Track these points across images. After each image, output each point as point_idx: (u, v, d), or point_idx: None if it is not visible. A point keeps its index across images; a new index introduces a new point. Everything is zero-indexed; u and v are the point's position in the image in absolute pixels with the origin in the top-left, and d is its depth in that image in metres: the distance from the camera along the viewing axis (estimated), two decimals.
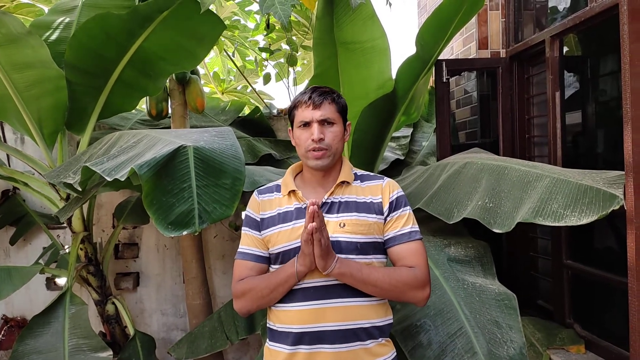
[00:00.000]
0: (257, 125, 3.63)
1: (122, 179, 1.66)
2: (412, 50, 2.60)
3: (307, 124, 1.55)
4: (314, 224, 1.36)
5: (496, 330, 1.82)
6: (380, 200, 1.58)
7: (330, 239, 1.47)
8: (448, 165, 2.37)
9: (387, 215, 1.56)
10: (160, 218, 1.68)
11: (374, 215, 1.55)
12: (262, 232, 1.60)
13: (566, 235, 2.49)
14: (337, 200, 1.57)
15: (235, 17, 4.37)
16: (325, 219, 1.48)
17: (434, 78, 3.04)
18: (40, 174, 2.86)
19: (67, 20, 2.90)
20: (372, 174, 1.68)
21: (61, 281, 3.46)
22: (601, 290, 2.39)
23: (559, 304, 2.54)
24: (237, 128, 3.53)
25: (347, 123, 1.62)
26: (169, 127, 3.25)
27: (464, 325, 1.83)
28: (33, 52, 2.42)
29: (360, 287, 1.47)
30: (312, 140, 1.53)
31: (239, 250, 1.63)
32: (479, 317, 1.86)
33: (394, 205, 1.57)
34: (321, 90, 1.59)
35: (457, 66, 3.06)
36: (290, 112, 1.63)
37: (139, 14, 2.44)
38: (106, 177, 1.71)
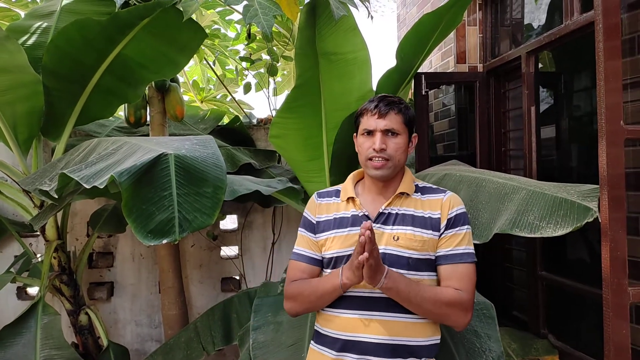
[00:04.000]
0: (236, 135, 3.62)
1: (101, 187, 1.63)
2: (392, 62, 2.63)
3: (370, 132, 1.55)
4: (365, 254, 1.33)
5: (475, 339, 1.85)
6: (438, 215, 1.55)
7: (382, 251, 1.49)
8: (427, 177, 2.40)
9: (443, 232, 1.53)
10: (139, 226, 1.65)
11: (430, 232, 1.53)
12: (317, 235, 1.62)
13: (541, 247, 2.54)
14: (394, 212, 1.56)
15: (216, 26, 4.37)
16: (380, 229, 1.53)
17: (413, 91, 3.09)
18: (14, 180, 2.79)
19: (45, 25, 2.85)
20: (434, 186, 1.65)
21: (33, 291, 3.38)
22: (575, 301, 2.44)
23: (534, 315, 2.58)
24: (216, 137, 3.51)
25: (414, 135, 1.61)
26: (147, 135, 3.22)
27: (444, 336, 1.84)
28: (10, 57, 2.37)
29: (404, 305, 1.46)
30: (374, 149, 1.52)
31: (293, 250, 1.66)
32: None
33: (452, 222, 1.54)
34: (389, 100, 1.57)
35: (436, 79, 3.11)
36: (355, 119, 1.63)
37: (119, 21, 2.42)
38: (84, 185, 1.68)
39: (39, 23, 2.85)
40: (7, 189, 2.76)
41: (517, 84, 2.92)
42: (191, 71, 4.88)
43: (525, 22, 3.00)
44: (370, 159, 1.54)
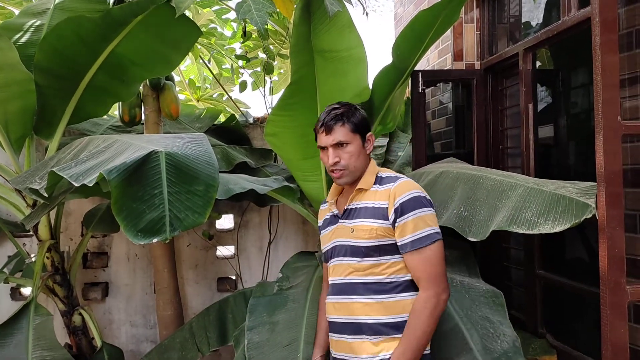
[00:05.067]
0: (232, 133, 3.59)
1: (90, 185, 1.61)
2: (388, 60, 2.61)
3: (324, 148, 1.75)
4: None
5: (488, 325, 1.85)
6: (386, 205, 1.66)
7: (343, 243, 1.73)
8: (424, 175, 2.37)
9: (394, 222, 1.64)
10: (129, 225, 1.63)
11: (378, 221, 1.65)
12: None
13: (538, 245, 2.52)
14: (353, 207, 1.74)
15: (212, 25, 4.34)
16: (343, 224, 1.75)
17: (410, 88, 3.06)
18: (6, 179, 2.76)
19: (38, 22, 2.82)
20: (393, 175, 1.76)
21: (27, 291, 3.35)
22: (573, 300, 2.42)
23: (531, 314, 2.55)
24: (212, 136, 3.48)
25: (368, 135, 1.76)
26: (142, 134, 3.19)
27: (457, 322, 1.85)
28: (1, 55, 2.34)
29: (422, 348, 1.60)
30: (329, 164, 1.72)
31: None
32: (471, 313, 1.90)
33: (399, 212, 1.63)
34: (333, 114, 1.72)
35: (433, 77, 3.08)
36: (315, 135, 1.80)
37: (112, 18, 2.40)
38: (74, 183, 1.65)
39: (32, 21, 2.83)
40: (1, 189, 2.73)
41: (514, 82, 2.89)
42: (187, 70, 4.85)
43: (523, 19, 2.98)
44: (332, 171, 1.74)
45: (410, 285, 1.66)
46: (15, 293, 3.32)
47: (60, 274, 2.81)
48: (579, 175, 2.38)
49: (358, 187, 1.73)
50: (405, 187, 1.66)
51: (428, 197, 1.69)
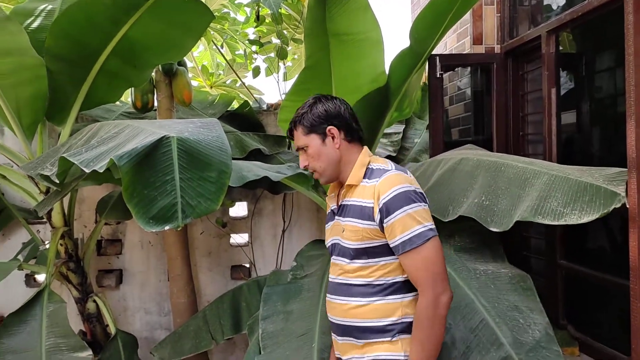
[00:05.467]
0: (245, 120, 3.54)
1: (101, 171, 1.58)
2: (405, 44, 2.53)
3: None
4: None
5: (517, 315, 1.76)
6: (372, 205, 1.52)
7: (335, 242, 1.65)
8: (442, 162, 2.30)
9: (381, 222, 1.50)
10: (141, 212, 1.60)
11: (365, 222, 1.53)
12: None
13: (560, 235, 2.44)
14: (345, 204, 1.62)
15: (225, 10, 4.28)
16: (338, 221, 1.64)
17: (427, 73, 2.99)
18: (18, 166, 2.75)
19: (50, 7, 2.79)
20: (383, 167, 1.58)
21: (41, 278, 3.35)
22: (596, 291, 2.34)
23: (553, 305, 2.48)
24: (225, 122, 3.44)
25: (327, 128, 1.60)
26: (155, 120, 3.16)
27: (484, 317, 1.77)
28: (11, 39, 2.30)
29: (438, 349, 1.47)
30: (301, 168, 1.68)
31: None
32: (498, 305, 1.81)
33: (384, 213, 1.48)
34: (294, 117, 1.67)
35: (451, 61, 3.00)
36: None
37: (124, 1, 2.34)
38: (84, 169, 1.62)
39: (44, 5, 2.79)
40: (13, 175, 2.71)
41: (536, 66, 2.79)
42: (200, 56, 4.80)
43: (545, 1, 2.87)
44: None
45: (402, 287, 1.53)
46: (29, 280, 3.32)
47: (74, 261, 2.80)
48: (604, 163, 2.29)
49: (347, 182, 1.60)
50: (389, 183, 1.49)
51: (418, 189, 1.52)
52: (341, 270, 1.61)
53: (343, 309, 1.59)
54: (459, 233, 2.16)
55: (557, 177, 1.78)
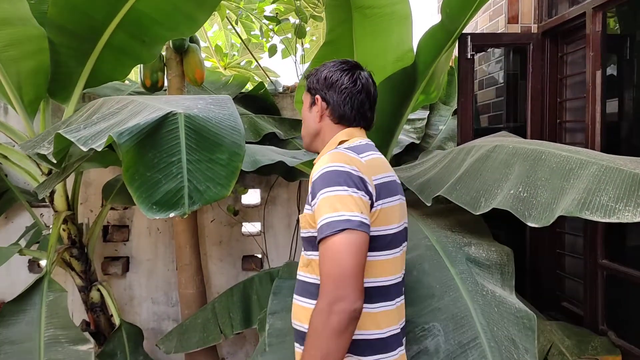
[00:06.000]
0: (260, 102, 3.36)
1: (99, 149, 1.41)
2: (435, 20, 2.32)
3: None
4: None
5: (513, 349, 1.56)
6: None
7: None
8: (474, 149, 2.10)
9: (312, 207, 1.26)
10: (143, 196, 1.43)
11: (307, 206, 1.30)
12: None
13: (602, 232, 2.23)
14: None
15: None
16: None
17: (456, 55, 2.77)
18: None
19: None
20: (341, 146, 1.35)
21: (45, 263, 3.22)
22: None
23: (591, 309, 2.28)
24: (239, 104, 3.26)
25: (316, 96, 1.43)
26: None
27: (479, 336, 1.56)
28: (11, 7, 2.14)
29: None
30: None
31: None
32: (497, 330, 1.59)
33: (312, 195, 1.25)
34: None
35: (484, 41, 2.77)
36: None
37: None
38: (81, 147, 1.45)
39: None
40: (15, 155, 2.56)
41: (577, 47, 2.57)
42: (215, 36, 4.62)
43: None
44: None
45: None
46: (33, 265, 3.20)
47: (77, 247, 2.65)
48: None
49: (314, 163, 1.36)
50: (322, 161, 1.26)
51: (355, 172, 1.22)
52: (300, 263, 1.40)
53: (294, 310, 1.37)
54: (477, 245, 1.95)
55: (608, 168, 1.57)
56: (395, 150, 3.02)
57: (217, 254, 3.32)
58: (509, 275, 1.87)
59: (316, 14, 3.52)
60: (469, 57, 2.66)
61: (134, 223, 3.26)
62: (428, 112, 3.44)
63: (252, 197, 3.52)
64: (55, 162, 1.72)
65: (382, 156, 1.37)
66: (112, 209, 3.17)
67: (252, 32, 4.34)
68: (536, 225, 1.60)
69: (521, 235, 2.74)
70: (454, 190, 1.90)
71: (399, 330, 1.30)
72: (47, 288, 2.31)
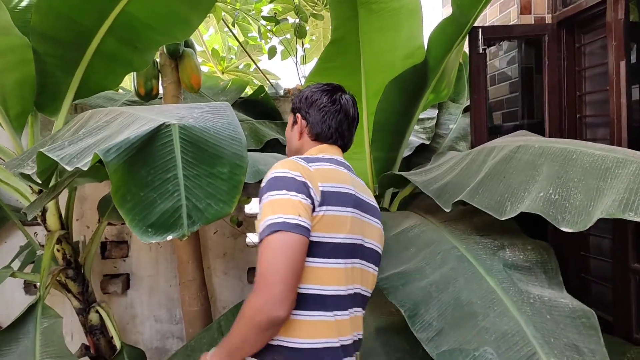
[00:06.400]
0: (261, 107, 3.21)
1: (84, 168, 1.26)
2: (438, 15, 2.17)
3: None
4: None
5: (577, 357, 1.41)
6: None
7: None
8: (495, 150, 1.94)
9: None
10: (137, 219, 1.28)
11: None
12: None
13: (634, 234, 2.07)
14: None
15: None
16: None
17: (467, 49, 2.62)
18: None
19: None
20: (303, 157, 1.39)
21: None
22: None
23: (623, 316, 2.12)
24: (238, 110, 3.12)
25: (297, 115, 1.49)
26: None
27: (536, 352, 1.41)
28: None
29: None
30: None
31: None
32: (554, 340, 1.43)
33: (259, 200, 1.29)
34: None
35: (495, 34, 2.61)
36: None
37: None
38: (66, 166, 1.31)
39: None
40: (3, 173, 2.41)
41: (595, 37, 2.41)
42: (211, 40, 4.47)
43: None
44: None
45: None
46: (29, 287, 3.05)
47: (72, 267, 2.50)
48: None
49: None
50: (272, 168, 1.29)
51: (299, 177, 1.23)
52: None
53: None
54: (511, 247, 1.80)
55: None
56: (405, 152, 2.87)
57: (221, 267, 3.17)
58: (554, 272, 1.71)
59: (316, 12, 3.38)
60: (480, 51, 2.51)
61: (133, 238, 3.12)
62: (437, 111, 3.29)
63: (256, 206, 3.36)
64: (40, 182, 1.57)
65: (346, 171, 1.37)
66: (109, 224, 3.03)
67: (250, 35, 4.19)
68: (571, 230, 1.45)
69: (542, 237, 2.58)
70: (476, 194, 1.74)
71: (337, 345, 1.24)
72: (40, 315, 2.16)
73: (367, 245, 1.35)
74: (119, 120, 1.49)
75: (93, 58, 2.30)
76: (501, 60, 2.87)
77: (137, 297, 3.12)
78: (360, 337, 1.35)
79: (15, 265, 2.87)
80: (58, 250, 2.46)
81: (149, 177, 1.30)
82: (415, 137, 3.05)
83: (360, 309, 1.34)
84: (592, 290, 2.48)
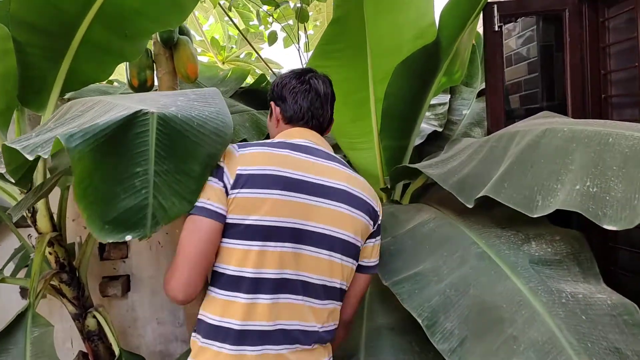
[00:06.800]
0: (263, 97, 3.03)
1: (45, 157, 1.14)
2: None
3: None
4: None
5: None
6: None
7: None
8: (517, 135, 1.75)
9: None
10: (95, 213, 1.14)
11: None
12: None
13: None
14: None
15: None
16: None
17: (480, 30, 2.43)
18: None
19: None
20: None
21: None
22: None
23: None
24: (239, 100, 2.96)
25: (270, 102, 1.50)
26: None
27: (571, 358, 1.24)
28: None
29: None
30: None
31: None
32: (592, 345, 1.26)
33: None
34: None
35: (512, 10, 2.42)
36: None
37: None
38: (27, 156, 1.16)
39: None
40: None
41: (620, 10, 2.22)
42: (211, 29, 4.32)
43: None
44: None
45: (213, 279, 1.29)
46: (25, 290, 2.92)
47: (66, 271, 2.36)
48: None
49: None
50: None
51: (220, 163, 1.27)
52: None
53: None
54: (537, 239, 1.61)
55: None
56: (417, 140, 2.69)
57: None
58: (589, 262, 1.53)
59: None
60: (496, 29, 2.33)
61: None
62: (449, 96, 3.10)
63: None
64: (14, 181, 1.43)
65: (298, 155, 1.33)
66: None
67: (251, 23, 4.02)
68: (616, 228, 1.28)
69: (565, 226, 2.40)
70: (502, 188, 1.56)
71: (238, 328, 1.23)
72: (31, 323, 2.03)
73: (312, 229, 1.29)
74: (95, 109, 1.33)
75: (80, 48, 2.14)
76: (518, 39, 2.67)
77: (138, 300, 2.98)
78: (308, 327, 1.29)
79: (11, 268, 2.76)
80: (50, 254, 2.32)
81: (117, 169, 1.15)
82: (426, 124, 2.87)
83: (300, 297, 1.28)
84: (622, 284, 2.29)
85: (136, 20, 2.17)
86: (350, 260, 1.36)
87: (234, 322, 1.23)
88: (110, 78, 3.67)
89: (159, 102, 1.27)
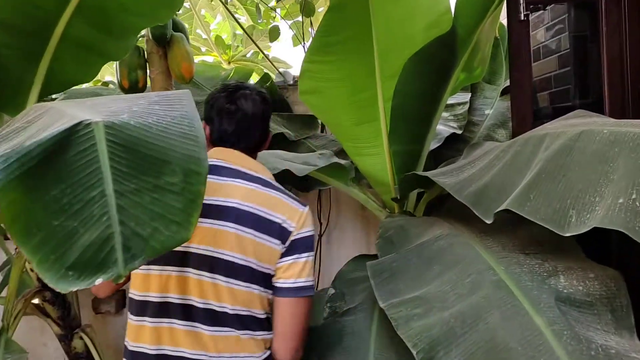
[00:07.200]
0: None
1: None
2: None
3: None
4: None
5: None
6: None
7: None
8: (547, 138, 1.50)
9: None
10: (50, 259, 0.91)
11: None
12: None
13: None
14: None
15: None
16: None
17: (505, 20, 2.19)
18: None
19: None
20: None
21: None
22: None
23: None
24: None
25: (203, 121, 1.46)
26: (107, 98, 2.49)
27: None
28: None
29: None
30: None
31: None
32: None
33: None
34: None
35: None
36: None
37: None
38: None
39: None
40: None
41: None
42: (219, 28, 4.14)
43: None
44: None
45: None
46: None
47: (50, 289, 2.19)
48: None
49: None
50: None
51: None
52: None
53: None
54: (568, 272, 1.34)
55: None
56: (433, 144, 2.44)
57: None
58: (624, 311, 1.25)
59: None
60: (522, 18, 2.06)
61: None
62: (470, 95, 2.84)
63: None
64: None
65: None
66: None
67: (260, 21, 3.83)
68: None
69: (603, 243, 2.14)
70: (527, 200, 1.31)
71: (145, 351, 1.30)
72: (4, 350, 1.86)
73: (194, 251, 1.28)
74: (43, 120, 1.13)
75: (59, 47, 1.96)
76: (546, 30, 2.41)
77: None
78: (195, 356, 1.27)
79: None
80: (32, 270, 2.14)
81: (65, 198, 0.93)
82: (443, 126, 2.61)
83: (183, 322, 1.28)
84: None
85: (121, 15, 1.99)
86: (243, 284, 1.29)
87: (139, 346, 1.32)
88: (106, 80, 3.52)
89: (110, 108, 1.06)
